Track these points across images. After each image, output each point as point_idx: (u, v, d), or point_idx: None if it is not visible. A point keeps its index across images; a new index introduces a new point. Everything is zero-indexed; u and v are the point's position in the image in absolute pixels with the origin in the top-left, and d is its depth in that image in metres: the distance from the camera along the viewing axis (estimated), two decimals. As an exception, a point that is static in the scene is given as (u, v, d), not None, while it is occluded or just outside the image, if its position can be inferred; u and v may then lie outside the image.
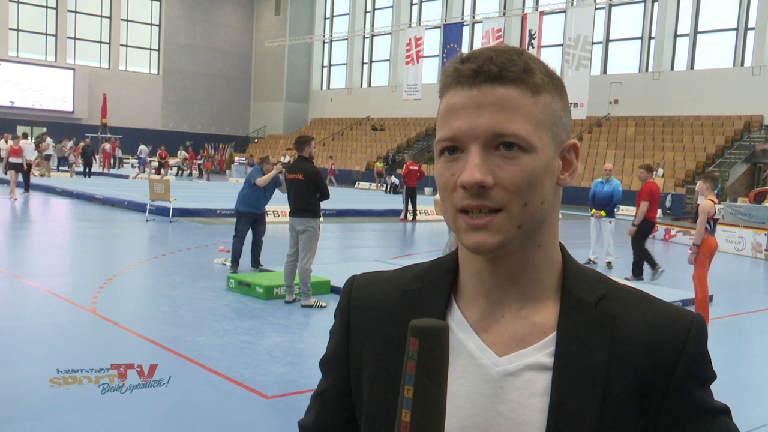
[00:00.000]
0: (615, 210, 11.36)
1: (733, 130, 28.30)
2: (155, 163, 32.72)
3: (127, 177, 30.14)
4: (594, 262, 11.54)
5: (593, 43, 28.90)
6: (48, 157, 28.54)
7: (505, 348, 0.90)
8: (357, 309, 1.01)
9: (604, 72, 33.08)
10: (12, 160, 18.69)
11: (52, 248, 11.75)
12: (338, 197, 19.10)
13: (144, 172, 31.39)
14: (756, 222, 15.98)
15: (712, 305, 8.44)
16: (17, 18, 40.58)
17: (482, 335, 0.91)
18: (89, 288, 8.12)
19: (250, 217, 9.59)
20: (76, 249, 12.16)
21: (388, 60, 42.46)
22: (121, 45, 44.11)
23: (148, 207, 15.87)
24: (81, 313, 7.10)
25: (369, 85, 44.10)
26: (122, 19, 44.02)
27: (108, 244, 12.72)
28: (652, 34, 31.48)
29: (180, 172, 36.24)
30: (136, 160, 35.62)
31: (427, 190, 28.86)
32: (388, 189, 29.97)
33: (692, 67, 30.59)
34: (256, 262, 9.75)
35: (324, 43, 46.63)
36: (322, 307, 7.66)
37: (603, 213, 11.24)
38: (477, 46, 23.81)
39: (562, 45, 31.71)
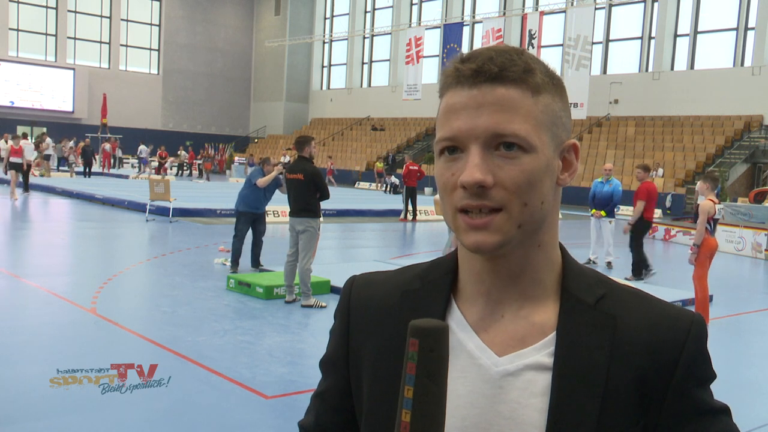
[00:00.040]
0: (615, 210, 11.36)
1: (733, 130, 28.30)
2: (155, 163, 32.72)
3: (127, 177, 30.14)
4: (594, 262, 11.53)
5: (593, 43, 28.90)
6: (47, 157, 28.54)
7: (504, 348, 0.90)
8: (357, 309, 1.01)
9: (604, 72, 33.08)
10: (13, 159, 18.69)
11: (52, 248, 11.75)
12: (338, 197, 19.10)
13: (144, 172, 31.39)
14: (756, 222, 15.98)
15: (712, 305, 8.44)
16: (17, 18, 40.58)
17: (482, 335, 0.91)
18: (89, 288, 8.12)
19: (249, 217, 9.59)
20: (76, 249, 12.16)
21: (388, 60, 42.45)
22: (121, 45, 44.11)
23: (148, 207, 15.87)
24: (81, 313, 7.10)
25: (369, 85, 44.09)
26: (122, 19, 44.02)
27: (108, 244, 12.72)
28: (652, 34, 31.48)
29: (180, 171, 36.24)
30: (136, 160, 35.60)
31: (427, 190, 28.86)
32: (388, 189, 29.96)
33: (692, 67, 30.59)
34: (256, 262, 9.75)
35: (324, 43, 46.63)
36: (322, 307, 7.66)
37: (603, 213, 11.24)
38: (477, 46, 23.82)
39: (562, 45, 31.71)
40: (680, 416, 0.89)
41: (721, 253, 12.74)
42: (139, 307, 7.79)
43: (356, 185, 34.92)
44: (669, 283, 10.24)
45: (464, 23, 35.16)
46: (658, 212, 23.72)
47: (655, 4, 31.28)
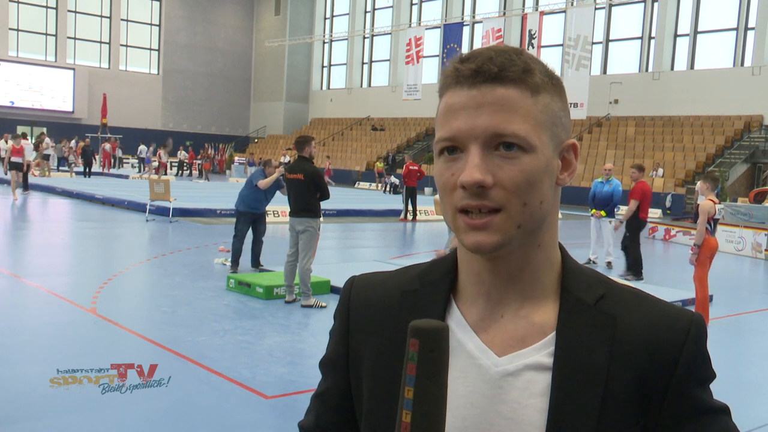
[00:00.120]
0: (615, 210, 11.37)
1: (733, 130, 28.30)
2: (155, 163, 32.73)
3: (127, 177, 30.13)
4: (594, 262, 11.54)
5: (593, 43, 28.90)
6: (47, 157, 28.54)
7: (504, 348, 0.90)
8: (356, 310, 1.01)
9: (604, 72, 33.08)
10: (14, 159, 18.70)
11: (52, 248, 11.74)
12: (338, 197, 19.10)
13: (144, 172, 31.39)
14: (756, 222, 15.98)
15: (712, 305, 8.44)
16: (17, 18, 40.57)
17: (482, 335, 0.91)
18: (89, 288, 8.12)
19: (249, 217, 9.60)
20: (76, 249, 12.16)
21: (388, 60, 42.45)
22: (121, 45, 44.10)
23: (148, 207, 15.87)
24: (81, 313, 7.10)
25: (369, 85, 44.09)
26: (122, 19, 44.01)
27: (108, 244, 12.72)
28: (652, 34, 31.48)
29: (180, 171, 36.23)
30: (136, 160, 35.59)
31: (427, 190, 28.85)
32: (388, 189, 29.95)
33: (692, 67, 30.59)
34: (256, 262, 9.75)
35: (324, 43, 46.63)
36: (322, 307, 7.66)
37: (603, 213, 11.24)
38: (477, 46, 23.81)
39: (562, 45, 31.70)
40: (680, 416, 0.89)
41: (721, 253, 12.74)
42: (139, 307, 7.79)
43: (356, 185, 34.92)
44: (669, 283, 10.24)
45: (464, 23, 35.16)
46: (658, 212, 23.78)
47: (655, 4, 31.28)
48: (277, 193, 9.79)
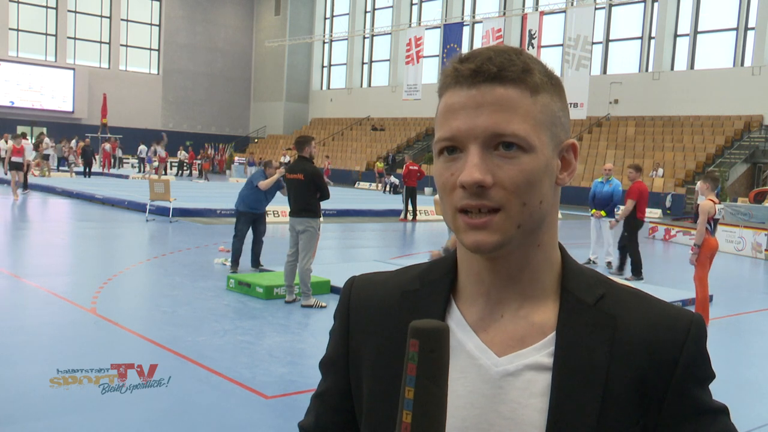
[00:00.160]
0: (615, 210, 11.38)
1: (733, 130, 28.30)
2: (156, 163, 32.72)
3: (127, 177, 30.12)
4: (594, 262, 11.54)
5: (593, 43, 28.90)
6: (46, 157, 28.55)
7: (504, 348, 0.90)
8: (356, 310, 1.01)
9: (604, 72, 33.08)
10: (14, 159, 18.71)
11: (52, 248, 11.74)
12: (338, 197, 19.10)
13: (146, 172, 31.37)
14: (756, 222, 15.97)
15: (712, 305, 8.44)
16: (17, 18, 40.57)
17: (481, 335, 0.91)
18: (89, 288, 8.12)
19: (249, 217, 9.60)
20: (76, 249, 12.17)
21: (388, 60, 42.45)
22: (121, 45, 44.10)
23: (148, 207, 15.87)
24: (81, 313, 7.10)
25: (369, 85, 44.09)
26: (122, 19, 44.01)
27: (108, 244, 12.72)
28: (652, 34, 31.48)
29: (180, 171, 36.23)
30: (136, 160, 35.58)
31: (427, 190, 28.85)
32: (387, 189, 29.95)
33: (692, 67, 30.59)
34: (256, 262, 9.75)
35: (324, 43, 46.63)
36: (322, 307, 7.66)
37: (603, 213, 11.24)
38: (477, 46, 23.79)
39: (562, 45, 31.70)
40: (680, 416, 0.89)
41: (721, 253, 12.74)
42: (139, 307, 7.79)
43: (356, 185, 34.92)
44: (669, 283, 10.24)
45: (464, 23, 35.16)
46: (657, 212, 23.79)
47: (655, 4, 31.28)
48: (277, 193, 9.79)
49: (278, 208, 15.31)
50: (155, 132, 41.59)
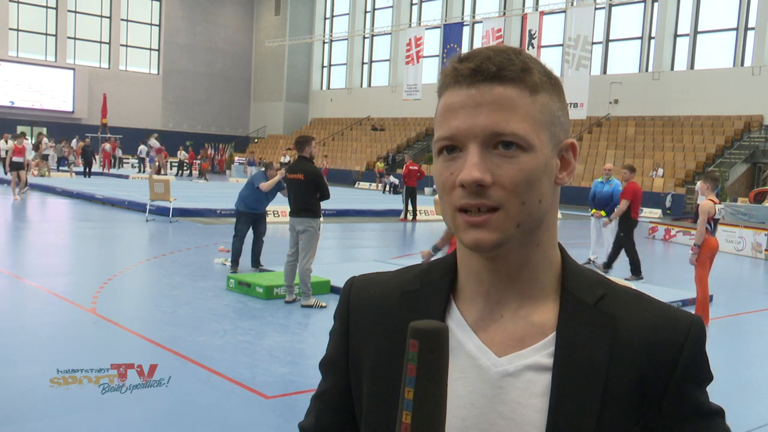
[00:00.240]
0: (615, 210, 11.36)
1: (733, 130, 28.30)
2: (157, 163, 32.73)
3: (127, 177, 30.13)
4: (594, 262, 11.53)
5: (593, 43, 28.89)
6: (45, 157, 28.56)
7: (504, 348, 0.90)
8: (356, 310, 1.01)
9: (604, 72, 33.07)
10: (15, 159, 18.72)
11: (52, 248, 11.74)
12: (338, 197, 19.10)
13: (145, 171, 31.35)
14: (756, 222, 15.98)
15: (712, 305, 8.44)
16: (17, 18, 40.57)
17: (481, 335, 0.91)
18: (89, 288, 8.12)
19: (250, 217, 9.60)
20: (76, 249, 12.17)
21: (388, 60, 42.44)
22: (121, 45, 44.09)
23: (148, 207, 15.87)
24: (81, 313, 7.10)
25: (369, 85, 44.09)
26: (122, 19, 44.00)
27: (108, 244, 12.72)
28: (652, 34, 31.47)
29: (180, 171, 36.23)
30: (136, 160, 35.57)
31: (427, 190, 28.85)
32: (387, 189, 29.95)
33: (692, 67, 30.59)
34: (256, 262, 9.75)
35: (324, 43, 46.62)
36: (322, 307, 7.66)
37: (603, 213, 11.25)
38: (477, 46, 23.76)
39: (562, 45, 31.69)
40: (678, 417, 0.89)
41: (721, 253, 12.73)
42: (139, 307, 7.80)
43: (356, 185, 34.92)
44: (669, 283, 10.24)
45: (464, 23, 35.15)
46: (657, 212, 23.79)
47: (655, 4, 31.27)
48: (278, 193, 9.79)
49: (278, 208, 15.31)
50: (155, 132, 41.62)
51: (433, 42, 36.78)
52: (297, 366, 5.74)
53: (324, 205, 8.03)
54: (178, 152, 37.06)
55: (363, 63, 44.30)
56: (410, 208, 18.89)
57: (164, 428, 4.42)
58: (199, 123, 46.55)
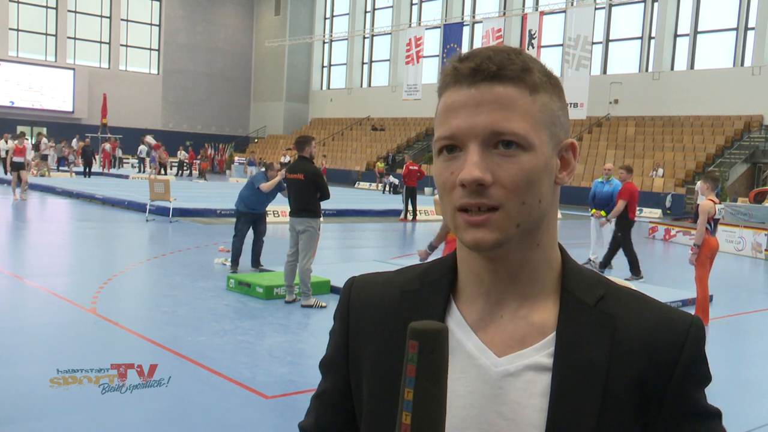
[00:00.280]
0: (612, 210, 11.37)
1: (733, 130, 28.30)
2: (157, 162, 32.74)
3: (127, 177, 30.13)
4: (594, 262, 11.54)
5: (593, 43, 28.89)
6: (45, 157, 28.56)
7: (504, 348, 0.90)
8: (356, 310, 1.01)
9: (604, 72, 33.08)
10: (15, 159, 18.73)
11: (52, 248, 11.74)
12: (338, 197, 19.10)
13: (145, 171, 31.34)
14: (756, 222, 15.98)
15: (712, 305, 8.43)
16: (17, 18, 40.57)
17: (481, 335, 0.91)
18: (89, 288, 8.12)
19: (250, 217, 9.60)
20: (76, 249, 12.17)
21: (388, 60, 42.45)
22: (121, 45, 44.10)
23: (148, 207, 15.87)
24: (81, 313, 7.10)
25: (369, 85, 44.09)
26: (122, 19, 44.01)
27: (108, 244, 12.72)
28: (652, 34, 31.48)
29: (180, 171, 36.25)
30: (136, 160, 35.58)
31: (427, 190, 28.85)
32: (386, 189, 29.94)
33: (692, 67, 30.59)
34: (256, 262, 9.75)
35: (324, 43, 46.63)
36: (322, 307, 7.66)
37: (603, 213, 11.25)
38: (477, 46, 23.73)
39: (562, 45, 31.70)
40: (678, 417, 0.89)
41: (721, 253, 12.72)
42: (139, 307, 7.79)
43: (356, 185, 34.92)
44: (669, 283, 10.24)
45: (464, 23, 35.15)
46: (657, 212, 23.78)
47: (655, 4, 31.28)
48: (278, 193, 9.79)
49: (278, 208, 15.31)
50: (155, 132, 41.65)
51: (433, 42, 36.79)
52: (297, 366, 5.74)
53: (324, 205, 8.02)
54: (178, 152, 37.06)
55: (363, 63, 44.30)
56: (410, 208, 18.89)
57: (164, 428, 4.42)
58: (199, 123, 46.55)
